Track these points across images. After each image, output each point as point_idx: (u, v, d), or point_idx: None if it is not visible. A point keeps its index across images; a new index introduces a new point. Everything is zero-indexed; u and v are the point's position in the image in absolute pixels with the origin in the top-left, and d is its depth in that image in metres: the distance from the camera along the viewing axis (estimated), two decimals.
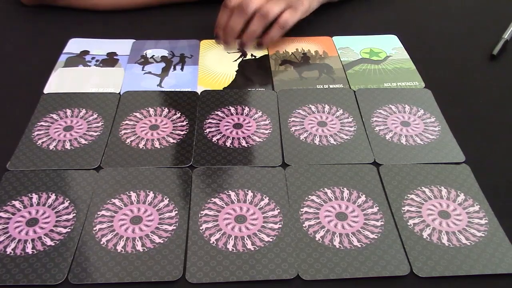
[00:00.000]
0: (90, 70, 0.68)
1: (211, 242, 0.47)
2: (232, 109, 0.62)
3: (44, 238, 0.47)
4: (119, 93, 0.65)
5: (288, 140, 0.58)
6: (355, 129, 0.60)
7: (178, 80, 0.67)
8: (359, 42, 0.75)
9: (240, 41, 0.71)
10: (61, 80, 0.66)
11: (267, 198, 0.52)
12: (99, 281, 0.44)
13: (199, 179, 0.53)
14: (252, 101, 0.64)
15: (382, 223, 0.50)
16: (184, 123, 0.60)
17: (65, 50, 0.72)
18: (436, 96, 0.65)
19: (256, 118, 0.61)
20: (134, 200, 0.51)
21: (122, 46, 0.73)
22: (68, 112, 0.61)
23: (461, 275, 0.45)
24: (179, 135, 0.59)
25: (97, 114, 0.61)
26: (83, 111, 0.61)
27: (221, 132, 0.59)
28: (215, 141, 0.58)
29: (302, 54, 0.72)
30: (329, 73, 0.69)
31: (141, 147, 0.57)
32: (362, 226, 0.49)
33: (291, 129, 0.60)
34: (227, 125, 0.60)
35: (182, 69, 0.69)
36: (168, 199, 0.51)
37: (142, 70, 0.69)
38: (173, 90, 0.65)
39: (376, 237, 0.48)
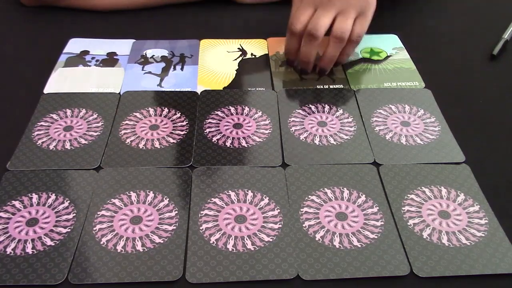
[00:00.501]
0: (90, 70, 0.68)
1: (211, 242, 0.47)
2: (232, 109, 0.62)
3: (44, 238, 0.47)
4: (119, 93, 0.65)
5: (288, 140, 0.58)
6: (355, 129, 0.60)
7: (178, 80, 0.67)
8: None
9: (319, 68, 0.66)
10: (61, 80, 0.66)
11: (267, 198, 0.52)
12: (99, 281, 0.44)
13: (199, 179, 0.53)
14: (252, 101, 0.64)
15: (382, 223, 0.49)
16: (184, 123, 0.60)
17: (65, 50, 0.72)
18: (436, 96, 0.65)
19: (256, 118, 0.61)
20: (134, 200, 0.51)
21: (122, 46, 0.73)
22: (68, 112, 0.61)
23: (461, 275, 0.45)
24: (179, 135, 0.59)
25: (97, 114, 0.61)
26: (83, 111, 0.61)
27: (221, 132, 0.59)
28: (215, 141, 0.58)
29: None
30: (329, 73, 0.69)
31: (141, 147, 0.57)
32: (362, 226, 0.49)
33: (291, 129, 0.60)
34: (227, 125, 0.60)
35: (182, 69, 0.69)
36: (168, 199, 0.51)
37: (142, 70, 0.69)
38: (173, 90, 0.65)
39: (376, 237, 0.48)
